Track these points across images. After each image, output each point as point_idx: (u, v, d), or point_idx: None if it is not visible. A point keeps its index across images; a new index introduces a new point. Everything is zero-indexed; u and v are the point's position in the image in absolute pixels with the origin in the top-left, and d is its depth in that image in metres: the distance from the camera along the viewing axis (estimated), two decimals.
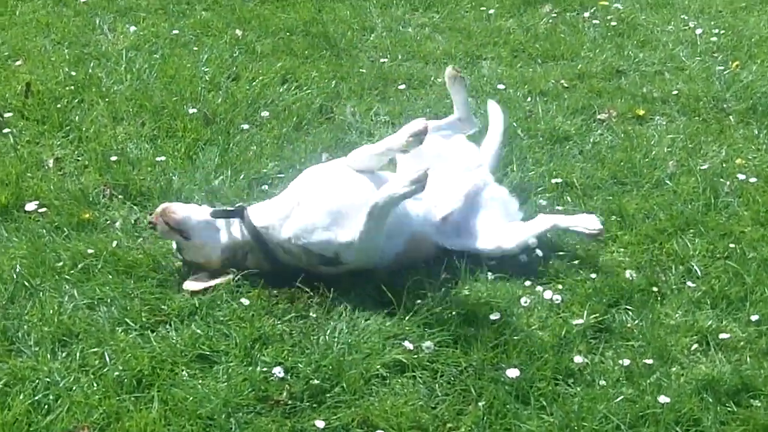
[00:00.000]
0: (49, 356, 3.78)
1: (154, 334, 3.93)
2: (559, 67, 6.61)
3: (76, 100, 5.87)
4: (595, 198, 4.91)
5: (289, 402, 3.60)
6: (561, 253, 4.46)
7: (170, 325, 3.97)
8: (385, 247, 4.20)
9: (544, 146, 5.43)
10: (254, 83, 6.10)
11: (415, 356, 3.82)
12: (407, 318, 4.00)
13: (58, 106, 5.76)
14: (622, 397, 3.62)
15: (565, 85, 6.29)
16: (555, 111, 5.86)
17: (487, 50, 6.87)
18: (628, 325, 4.03)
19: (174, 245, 4.36)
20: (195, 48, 6.70)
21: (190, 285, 4.19)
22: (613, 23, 7.29)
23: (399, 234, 4.25)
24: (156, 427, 3.46)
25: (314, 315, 4.04)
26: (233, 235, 4.27)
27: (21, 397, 3.55)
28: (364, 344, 3.87)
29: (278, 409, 3.57)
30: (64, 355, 3.80)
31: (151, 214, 4.36)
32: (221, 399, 3.56)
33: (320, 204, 4.15)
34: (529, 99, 6.05)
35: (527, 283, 4.27)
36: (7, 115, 5.67)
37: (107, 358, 3.76)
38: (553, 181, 5.02)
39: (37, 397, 3.55)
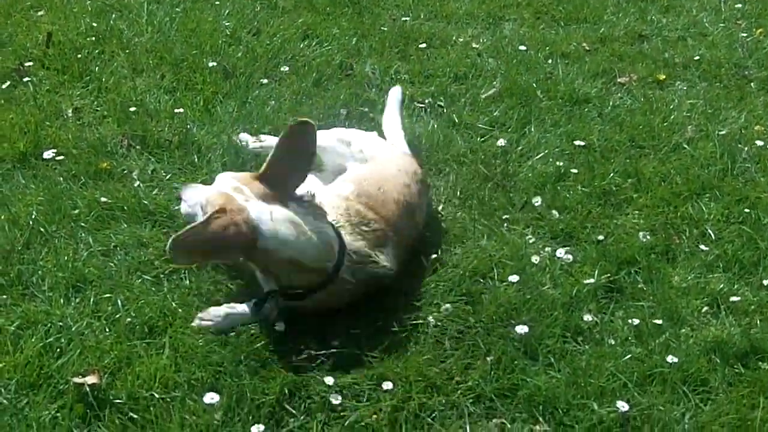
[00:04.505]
0: (62, 301, 3.80)
1: (168, 282, 3.95)
2: (582, 29, 6.58)
3: (97, 51, 5.88)
4: (613, 160, 4.90)
5: (301, 354, 3.61)
6: (574, 212, 4.46)
7: (184, 273, 3.98)
8: None
9: (563, 108, 5.42)
10: (275, 38, 6.10)
11: None
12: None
13: (79, 56, 5.77)
14: (630, 355, 3.63)
15: (587, 48, 6.26)
16: (575, 73, 5.85)
17: (510, 11, 6.85)
18: (639, 285, 4.04)
19: None
20: (216, 2, 6.69)
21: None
22: None
23: None
24: (166, 372, 3.48)
25: None
26: None
27: (33, 340, 3.58)
28: None
29: (287, 361, 3.58)
30: (77, 300, 3.83)
31: None
32: (232, 347, 3.59)
33: None
34: (550, 61, 6.04)
35: (540, 242, 4.28)
36: (27, 64, 5.69)
37: (120, 305, 3.78)
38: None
39: (49, 341, 3.58)
